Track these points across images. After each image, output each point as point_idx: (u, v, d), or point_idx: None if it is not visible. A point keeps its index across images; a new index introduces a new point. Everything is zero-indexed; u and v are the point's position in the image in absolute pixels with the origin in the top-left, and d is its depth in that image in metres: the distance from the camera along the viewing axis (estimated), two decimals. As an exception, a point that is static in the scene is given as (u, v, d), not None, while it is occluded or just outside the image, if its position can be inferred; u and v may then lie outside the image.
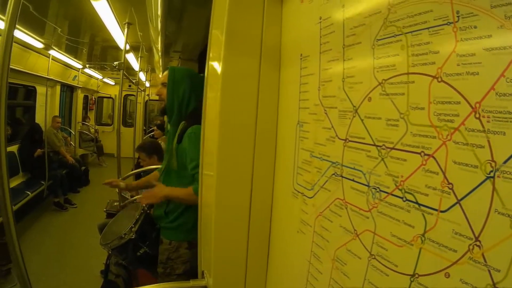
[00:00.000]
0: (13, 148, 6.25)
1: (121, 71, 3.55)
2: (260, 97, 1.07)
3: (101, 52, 6.91)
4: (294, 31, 1.03)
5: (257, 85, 1.07)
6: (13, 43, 3.09)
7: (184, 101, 2.15)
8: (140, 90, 8.16)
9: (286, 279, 1.02)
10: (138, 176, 5.67)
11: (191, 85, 2.15)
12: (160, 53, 3.50)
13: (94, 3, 3.05)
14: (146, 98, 9.98)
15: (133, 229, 2.21)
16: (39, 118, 7.33)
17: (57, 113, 8.05)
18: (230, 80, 1.06)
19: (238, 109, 1.07)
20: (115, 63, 3.44)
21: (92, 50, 6.58)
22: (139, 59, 5.91)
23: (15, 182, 6.05)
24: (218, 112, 1.05)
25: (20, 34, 4.46)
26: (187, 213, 2.13)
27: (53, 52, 6.12)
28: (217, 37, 1.23)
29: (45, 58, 6.34)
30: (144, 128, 8.98)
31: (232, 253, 1.14)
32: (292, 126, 0.97)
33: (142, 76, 7.49)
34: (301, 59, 0.94)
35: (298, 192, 0.92)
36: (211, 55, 1.32)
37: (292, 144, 0.96)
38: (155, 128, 8.29)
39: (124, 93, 12.58)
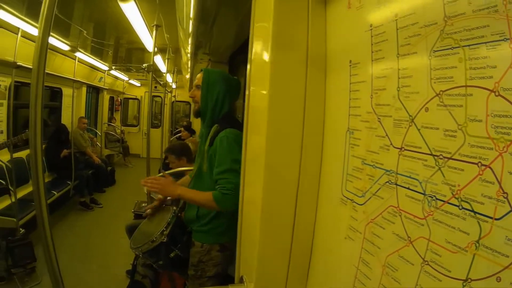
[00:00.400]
0: None
1: (150, 73, 3.67)
2: (307, 102, 1.11)
3: (126, 54, 7.09)
4: (341, 37, 1.06)
5: (304, 90, 1.10)
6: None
7: (218, 104, 2.19)
8: (167, 92, 8.33)
9: (330, 285, 1.05)
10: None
11: (225, 88, 2.20)
12: (189, 55, 3.59)
13: (122, 6, 3.15)
14: (173, 99, 10.15)
15: (164, 233, 2.25)
16: (65, 119, 7.60)
17: (83, 114, 8.33)
18: (277, 84, 1.10)
19: (285, 114, 1.11)
20: (144, 65, 3.57)
21: (117, 52, 6.77)
22: (166, 60, 6.06)
23: None
24: (266, 117, 1.10)
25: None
26: (219, 217, 2.16)
27: (79, 54, 6.35)
28: (260, 41, 1.28)
29: (71, 60, 6.60)
30: (171, 129, 9.15)
31: (275, 259, 1.18)
32: (341, 133, 1.01)
33: (168, 77, 7.64)
34: (350, 65, 0.97)
35: (348, 198, 0.96)
36: (253, 59, 1.36)
37: (342, 151, 1.00)
38: (182, 129, 8.44)
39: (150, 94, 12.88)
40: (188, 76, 6.38)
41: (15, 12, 3.55)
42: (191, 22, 2.36)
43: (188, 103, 13.03)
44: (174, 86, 9.28)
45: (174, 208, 2.43)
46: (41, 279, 4.00)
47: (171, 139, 8.94)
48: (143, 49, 6.10)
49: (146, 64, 3.56)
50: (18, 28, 3.95)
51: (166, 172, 3.97)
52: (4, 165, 4.65)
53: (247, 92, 1.40)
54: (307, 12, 1.11)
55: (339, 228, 0.99)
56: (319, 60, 1.12)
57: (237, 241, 1.53)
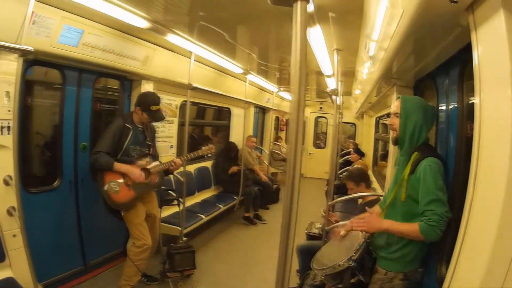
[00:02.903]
0: (207, 164, 7.23)
1: (334, 97, 3.84)
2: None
3: (289, 75, 7.39)
4: None
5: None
6: (211, 68, 4.45)
7: (415, 133, 2.21)
8: (338, 113, 8.51)
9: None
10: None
11: (423, 117, 2.21)
12: (374, 79, 3.63)
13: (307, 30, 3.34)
14: (340, 120, 10.30)
15: (353, 257, 2.31)
16: (233, 137, 8.31)
17: (251, 133, 8.94)
18: None
19: None
20: (328, 89, 3.75)
21: (281, 74, 7.12)
22: (339, 83, 6.20)
23: (207, 194, 6.94)
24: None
25: (219, 60, 5.19)
26: (410, 245, 2.17)
27: (249, 76, 6.88)
28: (490, 71, 1.35)
29: (240, 81, 7.17)
30: (336, 150, 9.26)
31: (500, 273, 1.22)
32: None
33: (337, 99, 7.82)
34: None
35: None
36: (483, 90, 1.42)
37: None
38: (351, 150, 8.46)
39: (314, 115, 13.27)
40: (361, 96, 6.44)
41: (188, 37, 4.06)
42: (385, 49, 2.40)
43: (353, 124, 13.06)
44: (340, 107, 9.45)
45: (364, 233, 2.47)
46: (195, 286, 4.36)
47: (340, 161, 9.05)
48: (308, 71, 6.39)
49: (330, 88, 3.77)
50: (191, 52, 4.50)
51: (345, 197, 4.05)
52: (173, 178, 5.29)
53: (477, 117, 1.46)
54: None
55: None
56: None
57: (450, 266, 1.56)
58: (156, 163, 3.91)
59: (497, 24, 1.26)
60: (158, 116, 3.88)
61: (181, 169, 4.66)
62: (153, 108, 3.79)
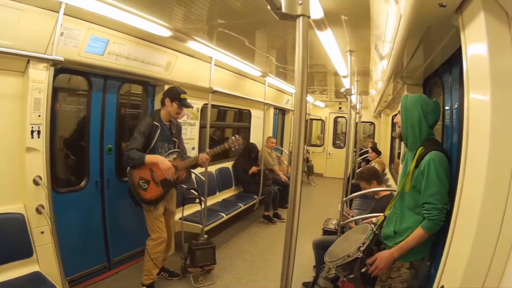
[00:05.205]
0: (228, 164, 7.41)
1: (348, 96, 3.97)
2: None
3: (309, 77, 7.51)
4: None
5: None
6: (231, 72, 4.72)
7: (416, 127, 2.31)
8: (356, 113, 8.58)
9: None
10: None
11: (422, 112, 2.31)
12: (384, 78, 3.74)
13: (319, 34, 3.46)
14: (357, 120, 10.35)
15: (361, 248, 2.43)
16: (253, 138, 8.46)
17: (271, 134, 9.06)
18: (499, 111, 1.28)
19: (506, 136, 1.27)
20: (342, 89, 3.89)
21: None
22: (355, 83, 6.30)
23: (227, 194, 7.09)
24: (489, 134, 1.29)
25: (238, 63, 5.38)
26: None
27: (268, 79, 7.00)
28: (475, 71, 1.46)
29: (259, 84, 7.31)
30: (355, 149, 9.32)
31: (478, 267, 1.32)
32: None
33: (353, 98, 7.91)
34: None
35: None
36: (470, 88, 1.52)
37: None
38: (370, 149, 8.53)
39: (334, 115, 13.32)
40: (377, 96, 6.50)
41: (208, 43, 4.23)
42: (392, 48, 2.51)
43: (372, 123, 13.09)
44: (358, 106, 9.49)
45: (372, 225, 2.60)
46: (215, 280, 4.47)
47: (358, 160, 9.12)
48: (325, 72, 6.53)
49: (344, 89, 3.89)
50: (211, 57, 4.66)
51: (357, 193, 4.16)
52: (196, 178, 5.44)
53: (465, 117, 1.56)
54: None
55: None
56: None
57: (444, 253, 1.66)
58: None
59: (479, 25, 1.36)
60: (187, 103, 4.05)
61: (203, 169, 4.81)
62: (183, 96, 3.98)
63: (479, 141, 1.40)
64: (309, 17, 1.17)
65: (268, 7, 1.17)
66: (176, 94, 3.98)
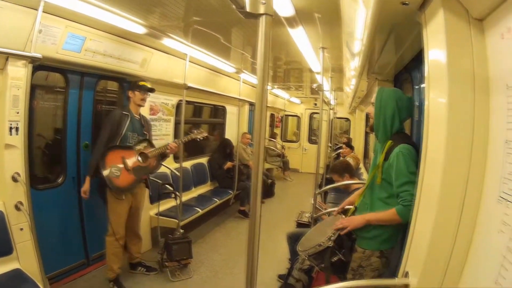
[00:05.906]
0: (203, 160, 7.46)
1: (320, 92, 4.09)
2: (476, 120, 1.33)
3: (285, 73, 7.57)
4: (498, 64, 1.26)
5: (473, 110, 1.34)
6: (206, 68, 4.80)
7: (388, 120, 2.37)
8: (330, 109, 8.71)
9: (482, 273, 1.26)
10: (325, 193, 6.16)
11: (397, 107, 2.36)
12: (354, 74, 3.85)
13: (291, 31, 3.56)
14: (332, 116, 10.51)
15: (332, 238, 2.51)
16: (228, 134, 8.53)
17: (246, 130, 9.16)
18: (455, 107, 1.37)
19: (459, 127, 1.36)
20: (314, 85, 4.00)
21: (276, 72, 7.29)
22: (329, 79, 6.42)
23: (203, 189, 7.15)
24: (445, 132, 1.38)
25: (213, 60, 5.45)
26: (385, 225, 2.35)
27: (243, 75, 7.08)
28: (435, 68, 1.55)
29: (235, 80, 7.39)
30: (329, 145, 9.46)
31: (440, 254, 1.41)
32: (500, 144, 1.21)
33: (328, 94, 8.05)
34: (507, 89, 1.16)
35: (503, 198, 1.14)
36: (430, 84, 1.62)
37: (500, 159, 1.19)
38: (343, 145, 8.70)
39: (309, 111, 13.47)
40: (351, 92, 6.63)
41: (183, 41, 4.32)
42: (362, 45, 2.59)
43: (348, 119, 13.29)
44: (333, 102, 9.65)
45: (343, 216, 2.71)
46: (192, 275, 4.55)
47: (332, 155, 9.30)
48: (300, 69, 6.57)
49: (316, 84, 3.99)
50: (186, 54, 4.76)
51: (330, 186, 4.28)
52: (171, 173, 5.49)
53: (425, 113, 1.66)
54: (471, 45, 1.35)
55: (494, 224, 1.18)
56: (483, 84, 1.33)
57: (407, 240, 1.76)
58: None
59: (439, 23, 1.43)
60: (147, 88, 4.13)
61: (178, 165, 4.89)
62: (141, 83, 4.09)
63: (437, 139, 1.51)
64: (272, 15, 1.25)
65: (233, 6, 1.24)
66: (135, 84, 4.10)
